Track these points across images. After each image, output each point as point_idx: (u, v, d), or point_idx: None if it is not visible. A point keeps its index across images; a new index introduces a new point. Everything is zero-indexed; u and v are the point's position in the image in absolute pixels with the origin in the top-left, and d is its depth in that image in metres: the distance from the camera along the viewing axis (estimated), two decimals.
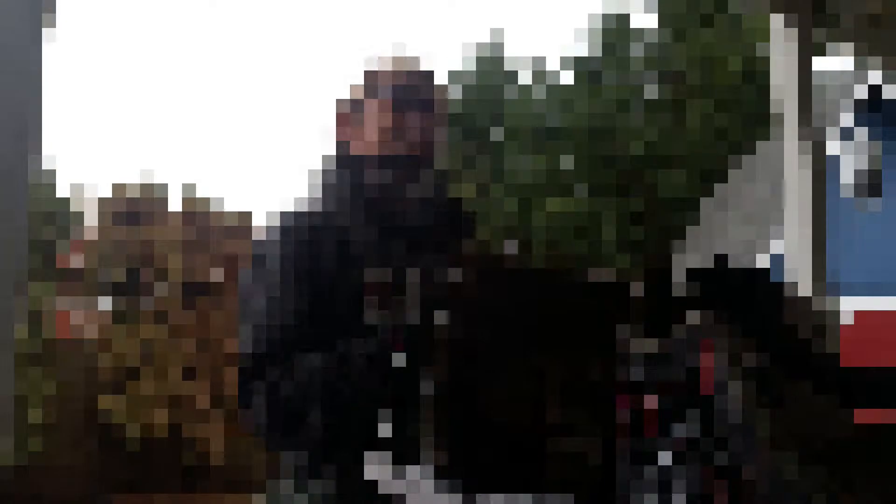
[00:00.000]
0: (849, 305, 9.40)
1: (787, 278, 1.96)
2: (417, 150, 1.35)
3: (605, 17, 18.24)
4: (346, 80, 1.47)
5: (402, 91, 1.36)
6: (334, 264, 1.23)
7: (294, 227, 1.30)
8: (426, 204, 1.33)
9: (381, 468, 0.34)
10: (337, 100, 1.45)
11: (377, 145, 1.35)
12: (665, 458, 0.18)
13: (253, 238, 1.37)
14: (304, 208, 1.35)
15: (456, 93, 19.38)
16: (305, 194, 1.42)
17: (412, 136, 1.35)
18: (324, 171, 1.41)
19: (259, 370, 1.13)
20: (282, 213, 1.37)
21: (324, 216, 1.31)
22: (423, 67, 1.44)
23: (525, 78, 19.13)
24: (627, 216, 15.90)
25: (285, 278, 1.22)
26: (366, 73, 1.41)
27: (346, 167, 1.37)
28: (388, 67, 1.40)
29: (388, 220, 1.28)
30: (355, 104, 1.40)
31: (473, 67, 19.37)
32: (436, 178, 1.40)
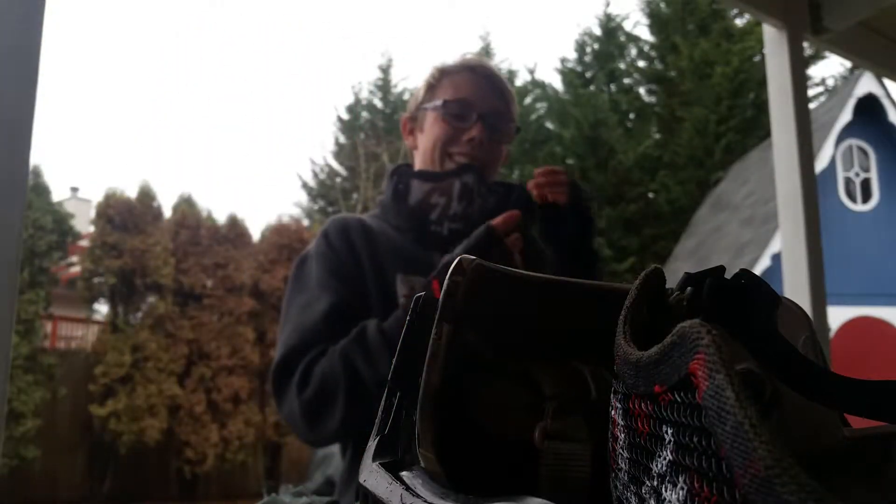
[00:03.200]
0: (841, 313, 9.41)
1: (782, 284, 1.97)
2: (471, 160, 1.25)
3: (598, 25, 18.36)
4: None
5: (461, 105, 1.26)
6: (369, 268, 1.18)
7: (329, 232, 1.24)
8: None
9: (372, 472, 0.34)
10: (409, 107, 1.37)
11: (430, 157, 1.27)
12: (658, 465, 0.18)
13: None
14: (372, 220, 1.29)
15: None
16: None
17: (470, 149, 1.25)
18: (389, 178, 1.33)
19: (290, 364, 1.10)
20: (325, 224, 1.31)
21: (360, 222, 1.25)
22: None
23: (518, 86, 19.21)
24: (622, 223, 15.95)
25: (317, 279, 1.18)
26: (430, 80, 1.32)
27: (392, 182, 1.29)
28: (456, 73, 1.30)
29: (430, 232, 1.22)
30: (418, 112, 1.33)
31: None
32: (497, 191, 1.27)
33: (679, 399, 0.21)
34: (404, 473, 0.32)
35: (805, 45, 2.15)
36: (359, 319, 1.11)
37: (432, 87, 1.31)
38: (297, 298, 1.19)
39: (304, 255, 1.26)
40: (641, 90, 17.90)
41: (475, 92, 1.28)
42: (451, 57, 1.33)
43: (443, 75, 1.30)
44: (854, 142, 10.21)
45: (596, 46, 18.34)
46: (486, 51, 19.66)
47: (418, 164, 1.31)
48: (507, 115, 1.31)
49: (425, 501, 0.29)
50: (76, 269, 12.78)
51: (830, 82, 16.23)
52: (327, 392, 1.06)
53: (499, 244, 1.07)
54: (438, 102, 1.27)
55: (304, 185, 18.96)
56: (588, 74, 18.34)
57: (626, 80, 18.02)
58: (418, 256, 1.19)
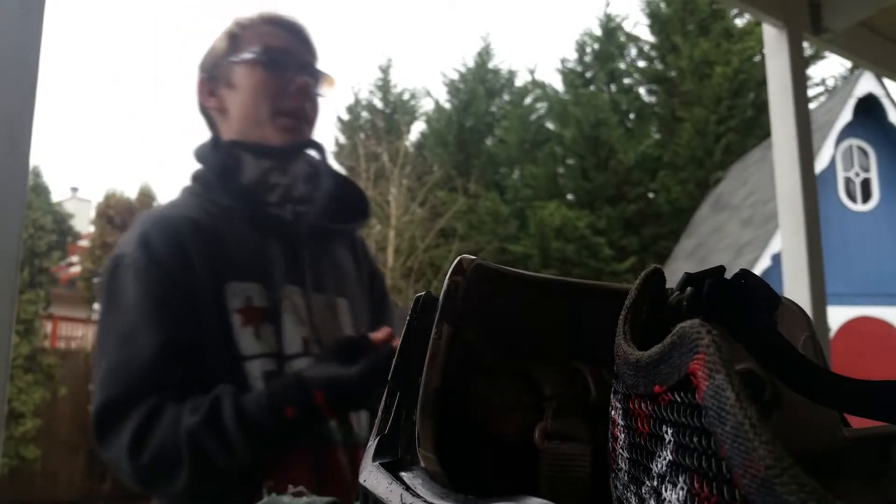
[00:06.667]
0: (841, 313, 9.41)
1: (782, 284, 1.97)
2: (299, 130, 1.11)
3: (598, 25, 18.36)
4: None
5: (282, 52, 1.10)
6: (203, 283, 0.98)
7: (150, 236, 1.01)
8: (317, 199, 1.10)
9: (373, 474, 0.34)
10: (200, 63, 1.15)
11: (254, 115, 1.09)
12: (658, 465, 0.18)
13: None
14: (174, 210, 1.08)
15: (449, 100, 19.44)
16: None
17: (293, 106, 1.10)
18: (196, 156, 1.12)
19: (116, 415, 0.92)
20: (141, 219, 1.07)
21: (188, 220, 1.03)
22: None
23: (518, 86, 19.21)
24: (622, 222, 15.95)
25: (139, 304, 0.96)
26: (230, 32, 1.13)
27: (218, 155, 1.09)
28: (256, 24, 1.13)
29: (265, 223, 1.07)
30: (219, 67, 1.12)
31: (467, 75, 19.44)
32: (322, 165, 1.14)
33: (679, 399, 0.21)
34: (404, 473, 0.32)
35: (805, 45, 2.15)
36: (194, 355, 0.96)
37: (236, 37, 1.11)
38: (112, 323, 0.98)
39: (115, 262, 1.01)
40: (641, 90, 17.88)
41: (288, 42, 1.13)
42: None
43: (244, 28, 1.12)
44: (854, 142, 10.21)
45: (596, 47, 18.33)
46: (487, 51, 19.66)
47: (234, 130, 1.10)
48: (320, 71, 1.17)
49: (425, 501, 0.29)
50: (76, 269, 12.78)
51: (830, 82, 16.21)
52: (167, 466, 0.91)
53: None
54: (256, 49, 1.09)
55: None
56: (588, 74, 18.33)
57: (626, 80, 18.01)
58: (254, 246, 1.04)
